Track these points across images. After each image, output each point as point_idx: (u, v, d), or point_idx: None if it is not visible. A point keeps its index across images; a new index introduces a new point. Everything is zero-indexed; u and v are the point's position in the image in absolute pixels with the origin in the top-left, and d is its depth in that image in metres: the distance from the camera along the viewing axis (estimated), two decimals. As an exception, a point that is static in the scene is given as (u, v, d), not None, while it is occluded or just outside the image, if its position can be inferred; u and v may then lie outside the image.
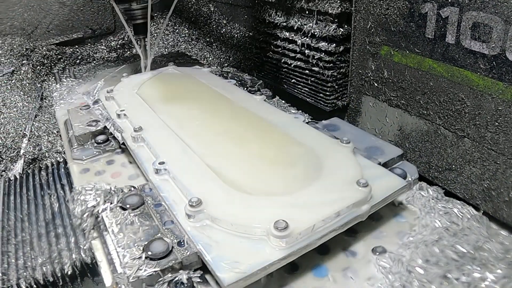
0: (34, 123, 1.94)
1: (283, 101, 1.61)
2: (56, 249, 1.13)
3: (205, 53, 2.69)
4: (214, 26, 2.66)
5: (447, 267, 0.81)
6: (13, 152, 1.77)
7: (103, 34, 2.88)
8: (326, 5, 1.39)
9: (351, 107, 1.46)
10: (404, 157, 1.14)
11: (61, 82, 2.15)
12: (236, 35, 2.46)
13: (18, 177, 1.49)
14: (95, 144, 1.36)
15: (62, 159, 1.64)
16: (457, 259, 0.83)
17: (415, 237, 0.91)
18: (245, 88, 1.69)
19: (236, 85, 1.66)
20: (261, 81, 1.82)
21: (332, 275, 0.85)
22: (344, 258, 0.89)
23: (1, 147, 1.76)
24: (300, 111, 1.52)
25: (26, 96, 2.06)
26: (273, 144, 1.19)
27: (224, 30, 2.56)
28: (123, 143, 1.27)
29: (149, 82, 1.73)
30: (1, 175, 1.70)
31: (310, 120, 1.39)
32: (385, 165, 1.12)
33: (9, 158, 1.76)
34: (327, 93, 1.49)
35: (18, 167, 1.72)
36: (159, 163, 1.06)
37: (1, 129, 1.83)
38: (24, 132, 1.85)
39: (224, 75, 1.88)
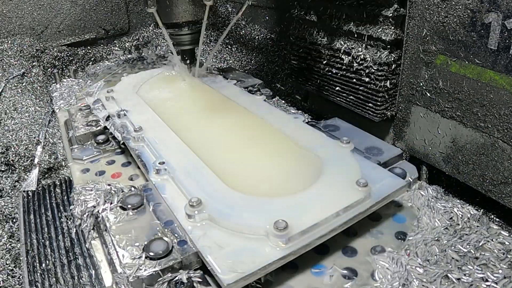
0: (48, 129, 1.85)
1: (283, 101, 1.61)
2: (79, 284, 1.10)
3: (225, 55, 2.62)
4: (233, 28, 2.59)
5: (447, 267, 0.81)
6: (27, 160, 1.68)
7: (116, 35, 2.79)
8: (379, 31, 1.33)
9: (398, 117, 1.40)
10: (416, 161, 1.09)
11: (61, 82, 2.15)
12: (257, 37, 2.40)
13: (36, 191, 1.43)
14: (95, 144, 1.36)
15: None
16: (458, 258, 0.83)
17: (415, 236, 0.91)
18: (246, 88, 1.69)
19: (236, 85, 1.66)
20: (261, 81, 1.82)
21: (331, 274, 0.85)
22: (343, 257, 0.89)
23: (13, 155, 1.68)
24: (300, 111, 1.51)
25: (38, 100, 1.98)
26: (273, 144, 1.19)
27: (243, 31, 2.49)
28: (123, 143, 1.27)
29: (149, 82, 1.73)
30: (15, 186, 1.64)
31: (310, 120, 1.39)
32: (384, 164, 1.12)
33: (23, 168, 1.67)
34: (378, 103, 1.41)
35: (32, 177, 1.63)
36: (159, 163, 1.06)
37: (13, 136, 1.74)
38: (38, 139, 1.77)
39: (224, 75, 1.88)
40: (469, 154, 1.14)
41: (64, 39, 2.62)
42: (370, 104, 1.45)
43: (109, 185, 1.06)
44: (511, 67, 0.99)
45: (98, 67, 2.48)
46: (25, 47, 2.34)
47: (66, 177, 1.49)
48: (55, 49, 2.48)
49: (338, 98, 1.60)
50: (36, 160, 1.71)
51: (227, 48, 2.67)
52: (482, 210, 1.01)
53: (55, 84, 2.13)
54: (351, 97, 1.52)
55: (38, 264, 1.12)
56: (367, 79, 1.41)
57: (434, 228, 0.92)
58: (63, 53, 2.50)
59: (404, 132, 1.39)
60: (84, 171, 1.25)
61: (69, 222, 1.26)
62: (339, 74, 1.55)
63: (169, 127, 1.28)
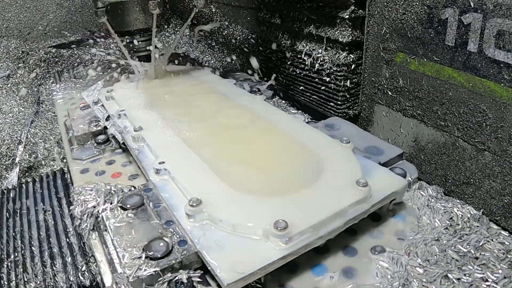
0: (30, 129, 1.90)
1: (283, 101, 1.61)
2: (50, 271, 1.09)
3: (207, 56, 2.66)
4: (216, 28, 2.63)
5: (447, 267, 0.81)
6: (8, 159, 1.74)
7: (102, 36, 2.85)
8: (336, 33, 1.33)
9: (363, 116, 1.40)
10: (415, 160, 1.09)
11: (60, 83, 2.15)
12: (238, 37, 2.44)
13: (12, 188, 1.47)
14: (95, 144, 1.36)
15: (59, 168, 1.62)
16: (458, 258, 0.83)
17: (415, 236, 0.91)
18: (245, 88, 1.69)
19: (236, 85, 1.66)
20: (261, 81, 1.82)
21: (331, 274, 0.85)
22: (343, 257, 0.89)
23: (-5, 154, 1.74)
24: (300, 111, 1.52)
25: (22, 101, 2.03)
26: (273, 143, 1.19)
27: (226, 32, 2.53)
28: (123, 143, 1.27)
29: (147, 82, 1.73)
30: None
31: (310, 120, 1.39)
32: (385, 164, 1.12)
33: (4, 166, 1.73)
34: (338, 102, 1.42)
35: (13, 176, 1.69)
36: (159, 163, 1.06)
37: (-4, 135, 1.80)
38: (20, 138, 1.82)
39: (225, 75, 1.88)
40: (431, 154, 1.13)
41: (50, 40, 2.64)
42: (331, 103, 1.46)
43: (109, 185, 1.06)
44: (469, 63, 0.98)
45: (98, 68, 2.48)
46: (11, 49, 2.37)
47: (45, 174, 1.52)
48: (41, 51, 2.50)
49: (303, 98, 1.62)
50: (17, 159, 1.75)
51: (209, 49, 2.70)
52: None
53: (55, 84, 2.14)
54: (314, 96, 1.54)
55: (6, 257, 1.14)
56: (327, 79, 1.43)
57: (434, 228, 0.92)
58: (48, 55, 2.52)
59: (369, 131, 1.36)
60: (84, 171, 1.25)
61: (46, 215, 1.29)
62: (302, 74, 1.57)
63: (168, 126, 1.28)
